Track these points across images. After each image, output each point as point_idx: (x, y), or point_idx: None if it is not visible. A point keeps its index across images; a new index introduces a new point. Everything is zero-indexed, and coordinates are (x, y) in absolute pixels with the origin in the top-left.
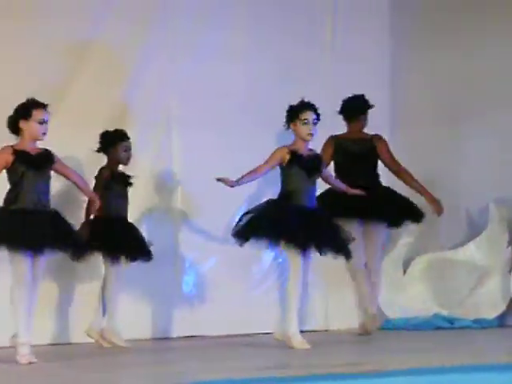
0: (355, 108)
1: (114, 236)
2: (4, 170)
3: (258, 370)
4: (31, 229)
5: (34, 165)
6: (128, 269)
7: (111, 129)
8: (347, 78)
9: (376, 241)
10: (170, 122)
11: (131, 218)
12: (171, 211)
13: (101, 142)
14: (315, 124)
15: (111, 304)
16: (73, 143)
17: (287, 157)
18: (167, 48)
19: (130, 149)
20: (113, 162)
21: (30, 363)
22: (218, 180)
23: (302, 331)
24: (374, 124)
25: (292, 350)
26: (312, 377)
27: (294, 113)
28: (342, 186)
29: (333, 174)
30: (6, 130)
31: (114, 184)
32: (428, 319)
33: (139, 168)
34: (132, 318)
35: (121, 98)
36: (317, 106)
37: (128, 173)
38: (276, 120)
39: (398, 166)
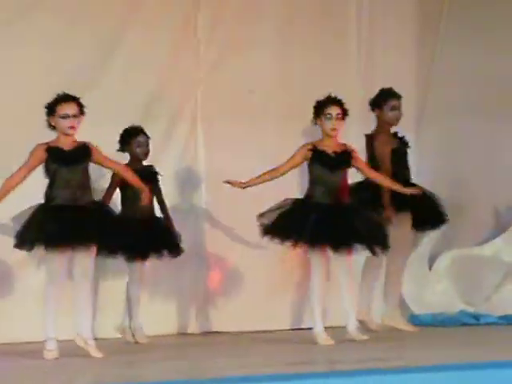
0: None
1: (138, 234)
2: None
3: (282, 366)
4: (61, 226)
5: (66, 161)
6: (152, 265)
7: (137, 124)
8: (375, 70)
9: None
10: (196, 116)
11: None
12: (195, 207)
13: (119, 141)
14: (340, 119)
15: (135, 301)
16: (100, 140)
17: (309, 154)
18: (195, 43)
19: (144, 144)
20: (133, 159)
21: (56, 359)
22: (226, 182)
23: (325, 327)
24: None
25: (315, 345)
26: (337, 373)
27: (319, 108)
28: (387, 182)
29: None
30: (37, 127)
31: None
32: (454, 315)
33: (164, 163)
34: (156, 313)
35: (147, 94)
36: (344, 98)
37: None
38: (305, 114)
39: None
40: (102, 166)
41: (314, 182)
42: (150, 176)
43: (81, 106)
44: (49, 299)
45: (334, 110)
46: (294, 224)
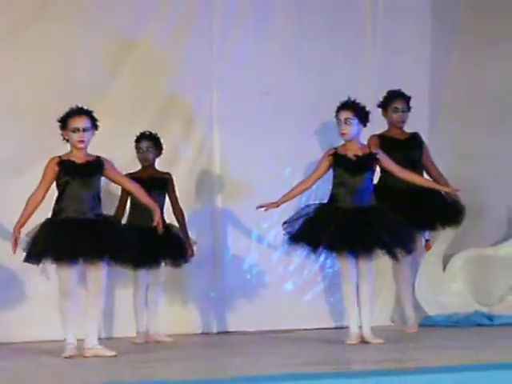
0: None
1: (149, 243)
2: None
3: (298, 366)
4: (68, 239)
5: (77, 174)
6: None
7: (152, 127)
8: (387, 70)
9: None
10: (212, 118)
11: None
12: (211, 209)
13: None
14: (348, 124)
15: (153, 304)
16: (115, 145)
17: (331, 159)
18: (209, 44)
19: (143, 150)
20: (141, 166)
21: (70, 356)
22: (260, 207)
23: (342, 327)
24: (414, 118)
25: (330, 345)
26: (351, 373)
27: (336, 113)
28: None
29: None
30: (48, 136)
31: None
32: (468, 316)
33: (180, 166)
34: (175, 313)
35: (162, 97)
36: (358, 100)
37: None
38: (320, 114)
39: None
40: (113, 181)
41: (333, 186)
42: (160, 183)
43: (93, 120)
44: (64, 313)
45: (342, 115)
46: (319, 231)
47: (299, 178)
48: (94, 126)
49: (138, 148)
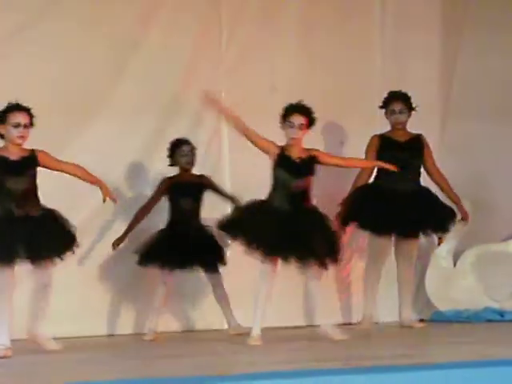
0: None
1: (182, 245)
2: None
3: (305, 362)
4: (4, 238)
5: (11, 170)
6: None
7: (160, 125)
8: (398, 70)
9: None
10: (220, 117)
11: None
12: (220, 210)
13: (167, 156)
14: (301, 129)
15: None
16: (122, 143)
17: (275, 156)
18: (216, 41)
19: (186, 154)
20: (180, 170)
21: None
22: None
23: (350, 323)
24: (424, 115)
25: (337, 342)
26: (359, 369)
27: (282, 116)
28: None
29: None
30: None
31: (175, 193)
32: (478, 312)
33: None
34: (182, 311)
35: (169, 96)
36: (367, 91)
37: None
38: (328, 112)
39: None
40: (55, 169)
41: (273, 185)
42: (198, 186)
43: (31, 117)
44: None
45: (296, 120)
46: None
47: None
48: (32, 124)
49: (179, 152)
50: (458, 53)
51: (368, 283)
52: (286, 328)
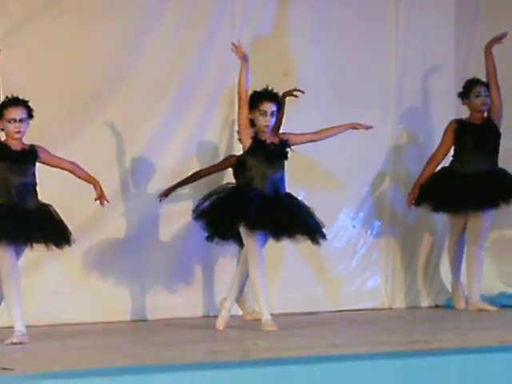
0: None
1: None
2: None
3: (322, 348)
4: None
5: (13, 159)
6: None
7: (174, 111)
8: (412, 53)
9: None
10: (234, 101)
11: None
12: None
13: None
14: (272, 116)
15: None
16: (134, 126)
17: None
18: (230, 27)
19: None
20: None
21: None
22: None
23: (366, 309)
24: (440, 99)
25: (355, 327)
26: (378, 355)
27: (253, 103)
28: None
29: None
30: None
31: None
32: (493, 297)
33: (202, 148)
34: (195, 296)
35: (184, 80)
36: (382, 81)
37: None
38: (342, 98)
39: None
40: (50, 165)
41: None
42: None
43: (29, 110)
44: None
45: (268, 107)
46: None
47: None
48: (30, 116)
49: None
50: (472, 40)
51: (450, 264)
52: (302, 314)
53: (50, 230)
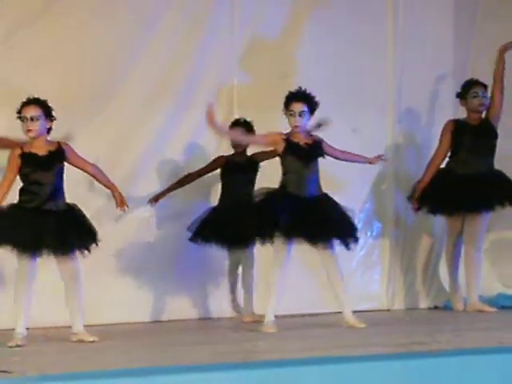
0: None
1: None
2: None
3: (320, 350)
4: (27, 231)
5: (40, 165)
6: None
7: (173, 112)
8: (411, 54)
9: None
10: (233, 103)
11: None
12: None
13: None
14: (302, 116)
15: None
16: (134, 127)
17: (283, 144)
18: (230, 28)
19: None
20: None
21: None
22: None
23: (365, 311)
24: (440, 99)
25: (353, 329)
26: (377, 356)
27: (285, 104)
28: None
29: None
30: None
31: (229, 172)
32: (492, 298)
33: (202, 149)
34: (200, 299)
35: (183, 81)
36: (381, 84)
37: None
38: (341, 100)
39: None
40: (73, 165)
41: (284, 173)
42: (241, 168)
43: (46, 108)
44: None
45: (296, 107)
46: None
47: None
48: (48, 115)
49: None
50: (470, 44)
51: (447, 266)
52: (303, 315)
53: (77, 233)
